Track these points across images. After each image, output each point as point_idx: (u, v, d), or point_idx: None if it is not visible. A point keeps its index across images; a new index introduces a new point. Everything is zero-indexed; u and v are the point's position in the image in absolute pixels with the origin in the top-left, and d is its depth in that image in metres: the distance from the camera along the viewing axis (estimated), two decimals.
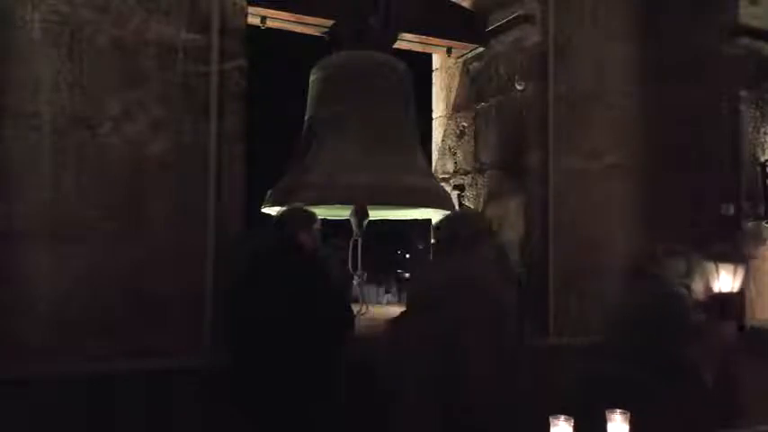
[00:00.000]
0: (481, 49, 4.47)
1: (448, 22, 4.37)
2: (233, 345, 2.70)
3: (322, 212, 3.33)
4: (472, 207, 4.35)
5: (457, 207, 4.18)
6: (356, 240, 3.76)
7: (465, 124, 4.68)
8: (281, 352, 2.52)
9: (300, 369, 2.54)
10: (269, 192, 3.79)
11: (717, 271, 3.30)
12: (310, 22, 3.98)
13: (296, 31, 4.10)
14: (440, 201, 3.91)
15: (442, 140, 4.93)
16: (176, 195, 3.10)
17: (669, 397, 2.48)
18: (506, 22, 4.21)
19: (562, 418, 1.75)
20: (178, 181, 3.11)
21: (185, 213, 3.11)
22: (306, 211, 2.89)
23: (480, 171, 4.46)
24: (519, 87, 4.09)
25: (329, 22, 3.99)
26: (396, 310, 4.04)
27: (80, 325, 2.87)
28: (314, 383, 2.57)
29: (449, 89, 4.89)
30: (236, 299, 2.71)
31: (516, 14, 4.13)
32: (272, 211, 3.81)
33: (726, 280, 3.29)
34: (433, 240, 2.92)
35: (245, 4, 3.34)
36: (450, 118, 4.87)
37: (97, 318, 2.90)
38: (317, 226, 2.86)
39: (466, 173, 4.61)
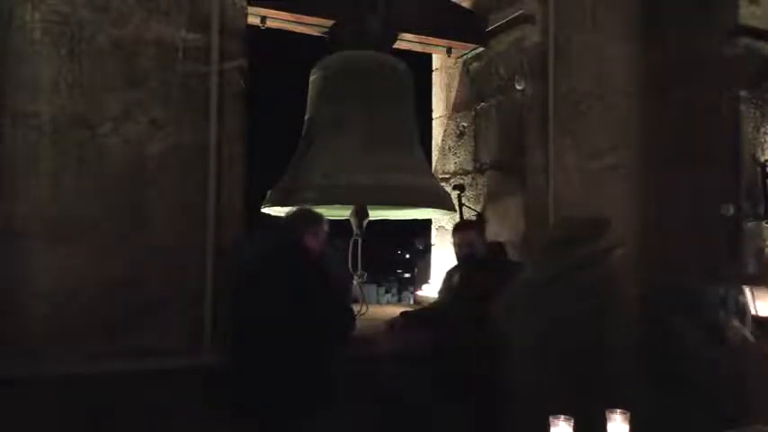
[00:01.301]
0: (481, 49, 4.47)
1: (448, 22, 4.37)
2: (234, 345, 2.70)
3: (322, 212, 3.33)
4: (472, 207, 4.34)
5: (457, 207, 4.17)
6: (356, 240, 3.76)
7: (465, 124, 4.68)
8: (282, 352, 2.52)
9: (300, 370, 2.54)
10: (269, 192, 3.79)
11: (752, 295, 3.33)
12: (310, 22, 3.98)
13: (296, 31, 4.10)
14: (440, 201, 3.91)
15: (442, 140, 4.93)
16: (176, 195, 3.10)
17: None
18: (506, 22, 4.21)
19: (562, 417, 1.75)
20: (178, 181, 3.11)
21: (185, 213, 3.11)
22: (312, 213, 2.88)
23: (480, 171, 4.46)
24: (519, 87, 4.09)
25: (329, 22, 3.99)
26: (395, 310, 4.03)
27: (80, 325, 2.87)
28: (313, 384, 2.57)
29: (449, 89, 4.89)
30: (240, 300, 2.71)
31: (516, 14, 4.12)
32: (272, 211, 3.81)
33: (762, 304, 3.33)
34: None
35: (245, 4, 3.34)
36: (450, 118, 4.87)
37: (97, 318, 2.89)
38: (324, 228, 2.85)
39: (466, 173, 4.61)
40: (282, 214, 3.94)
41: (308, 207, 2.97)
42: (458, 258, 3.29)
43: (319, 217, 2.86)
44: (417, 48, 4.55)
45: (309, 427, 2.55)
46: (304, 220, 2.82)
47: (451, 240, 3.41)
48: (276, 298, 2.56)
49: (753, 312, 3.26)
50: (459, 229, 3.41)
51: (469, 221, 3.98)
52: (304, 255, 2.72)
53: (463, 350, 2.98)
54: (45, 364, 2.75)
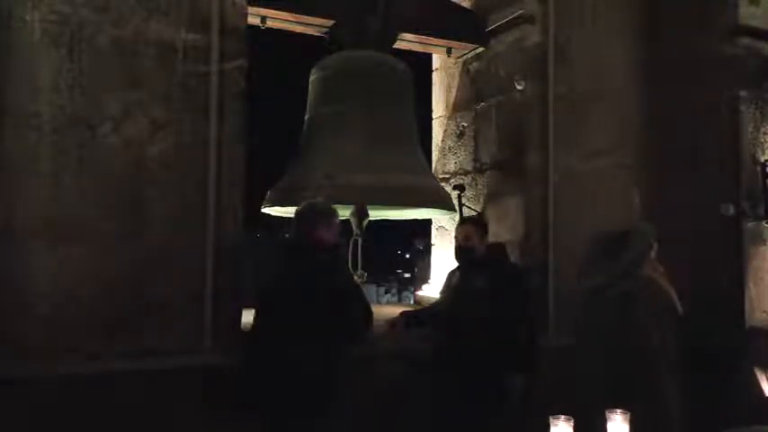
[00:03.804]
0: (481, 49, 4.47)
1: (448, 22, 4.36)
2: (257, 344, 2.65)
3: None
4: (472, 207, 4.34)
5: (457, 207, 4.17)
6: (356, 240, 3.76)
7: (465, 124, 4.68)
8: (304, 351, 2.49)
9: (323, 368, 2.52)
10: (269, 192, 3.79)
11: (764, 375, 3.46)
12: (310, 22, 3.98)
13: (296, 31, 4.10)
14: (440, 201, 3.91)
15: (442, 140, 4.93)
16: (176, 195, 3.10)
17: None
18: (506, 22, 4.21)
19: (562, 418, 1.76)
20: (178, 181, 3.11)
21: (185, 213, 3.11)
22: (324, 206, 2.85)
23: (480, 171, 4.46)
24: (519, 87, 4.09)
25: (329, 22, 3.99)
26: (395, 310, 4.03)
27: (80, 325, 2.87)
28: (331, 383, 2.56)
29: (449, 89, 4.89)
30: (262, 298, 2.68)
31: (516, 14, 4.13)
32: (272, 211, 3.81)
33: None
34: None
35: (245, 4, 3.34)
36: (450, 118, 4.87)
37: (97, 318, 2.89)
38: (336, 220, 2.83)
39: (466, 173, 4.61)
40: (281, 213, 3.95)
41: (318, 200, 2.93)
42: (455, 252, 3.29)
43: (331, 209, 2.84)
44: (417, 48, 4.55)
45: (323, 425, 2.54)
46: (317, 213, 2.79)
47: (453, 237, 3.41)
48: (301, 297, 2.52)
49: None
50: (459, 224, 3.42)
51: (471, 217, 3.99)
52: (322, 250, 2.69)
53: (463, 350, 2.98)
54: (45, 364, 2.76)
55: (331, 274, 2.63)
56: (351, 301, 2.62)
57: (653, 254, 3.08)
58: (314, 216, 2.75)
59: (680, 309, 2.96)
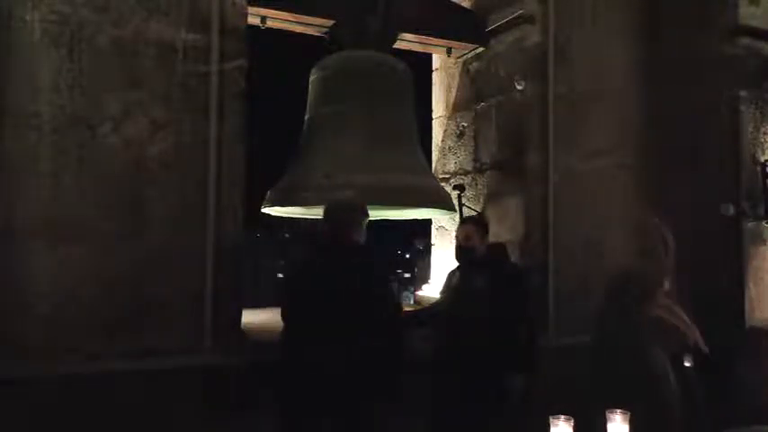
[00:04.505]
0: (481, 49, 4.47)
1: (448, 22, 4.37)
2: (293, 342, 2.65)
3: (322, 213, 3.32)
4: (472, 207, 4.34)
5: (457, 207, 4.17)
6: None
7: (465, 124, 4.68)
8: (343, 350, 2.50)
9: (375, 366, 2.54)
10: (269, 192, 3.79)
11: None
12: (310, 22, 3.99)
13: (296, 31, 4.10)
14: (440, 201, 3.91)
15: (442, 140, 4.93)
16: (176, 195, 3.10)
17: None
18: (506, 22, 4.21)
19: (562, 418, 1.76)
20: (178, 181, 3.11)
21: (185, 213, 3.11)
22: (349, 204, 2.84)
23: (480, 171, 4.46)
24: (519, 87, 4.09)
25: (329, 22, 3.99)
26: None
27: (80, 325, 2.87)
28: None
29: (449, 89, 4.89)
30: (295, 299, 2.68)
31: (516, 14, 4.13)
32: (272, 211, 3.80)
33: None
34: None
35: (245, 4, 3.34)
36: (450, 118, 4.87)
37: (97, 318, 2.90)
38: (363, 218, 2.82)
39: (466, 173, 4.61)
40: (281, 213, 3.95)
41: (342, 200, 2.91)
42: (455, 252, 3.28)
43: (359, 207, 2.83)
44: (417, 48, 4.55)
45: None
46: (347, 212, 2.78)
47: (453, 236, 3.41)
48: (342, 298, 2.51)
49: None
50: (460, 224, 3.42)
51: (471, 217, 3.99)
52: (356, 251, 2.70)
53: (463, 350, 2.98)
54: (45, 364, 2.76)
55: (366, 274, 2.63)
56: (386, 300, 2.62)
57: (666, 286, 2.95)
58: (345, 215, 2.74)
59: (705, 348, 2.82)
